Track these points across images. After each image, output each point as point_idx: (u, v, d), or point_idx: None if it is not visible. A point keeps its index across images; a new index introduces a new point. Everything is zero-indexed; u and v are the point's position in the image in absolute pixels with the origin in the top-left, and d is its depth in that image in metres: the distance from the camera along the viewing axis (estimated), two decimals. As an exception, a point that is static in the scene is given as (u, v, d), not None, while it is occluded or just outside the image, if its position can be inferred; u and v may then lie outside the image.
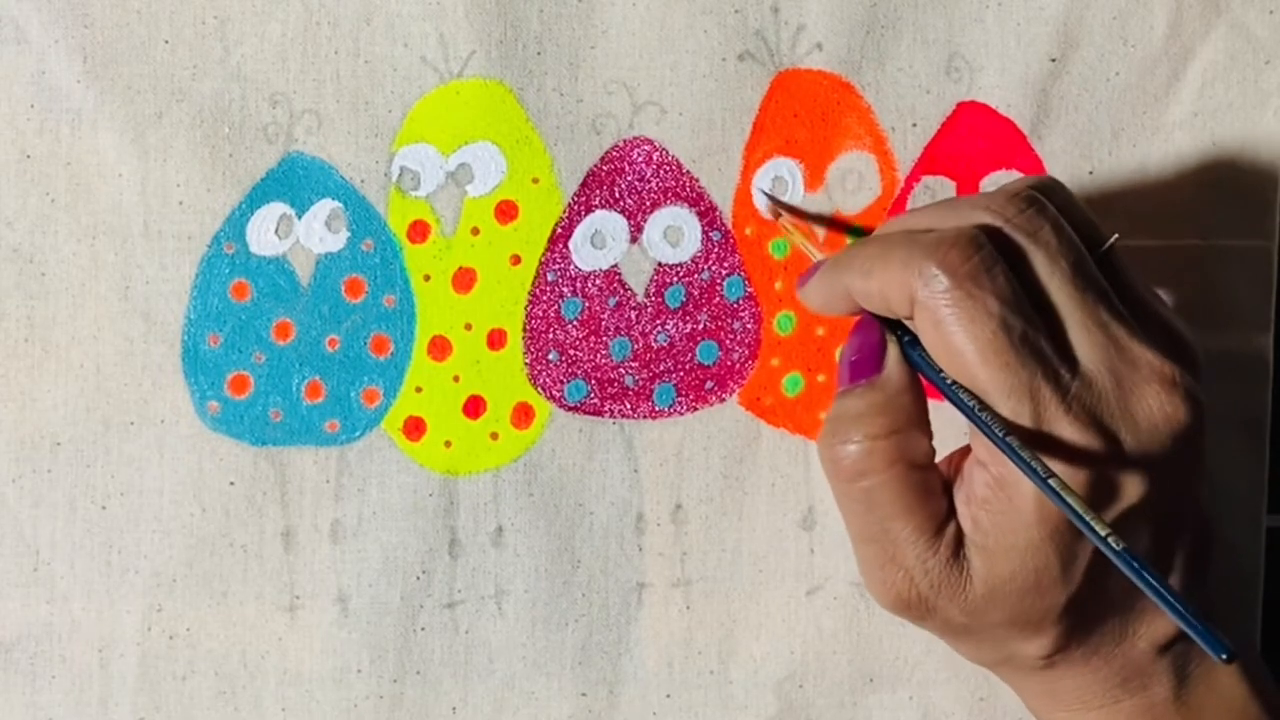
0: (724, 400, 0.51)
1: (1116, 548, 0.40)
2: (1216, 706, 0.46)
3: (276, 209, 0.49)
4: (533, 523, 0.50)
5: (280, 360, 0.49)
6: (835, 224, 0.51)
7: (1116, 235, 0.46)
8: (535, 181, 0.50)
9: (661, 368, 0.51)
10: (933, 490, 0.44)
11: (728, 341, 0.51)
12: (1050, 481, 0.41)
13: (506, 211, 0.50)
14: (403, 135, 0.49)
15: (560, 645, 0.51)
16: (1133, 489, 0.43)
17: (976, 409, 0.42)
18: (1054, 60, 0.51)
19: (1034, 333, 0.42)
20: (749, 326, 0.51)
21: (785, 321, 0.51)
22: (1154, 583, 0.39)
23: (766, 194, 0.50)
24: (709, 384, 0.51)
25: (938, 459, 0.46)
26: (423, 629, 0.50)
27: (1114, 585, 0.44)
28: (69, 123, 0.48)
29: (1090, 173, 0.52)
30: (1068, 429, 0.42)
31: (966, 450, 0.46)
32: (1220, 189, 0.52)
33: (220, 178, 0.48)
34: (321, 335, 0.49)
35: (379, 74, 0.49)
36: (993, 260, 0.43)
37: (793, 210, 0.50)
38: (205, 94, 0.48)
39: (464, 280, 0.50)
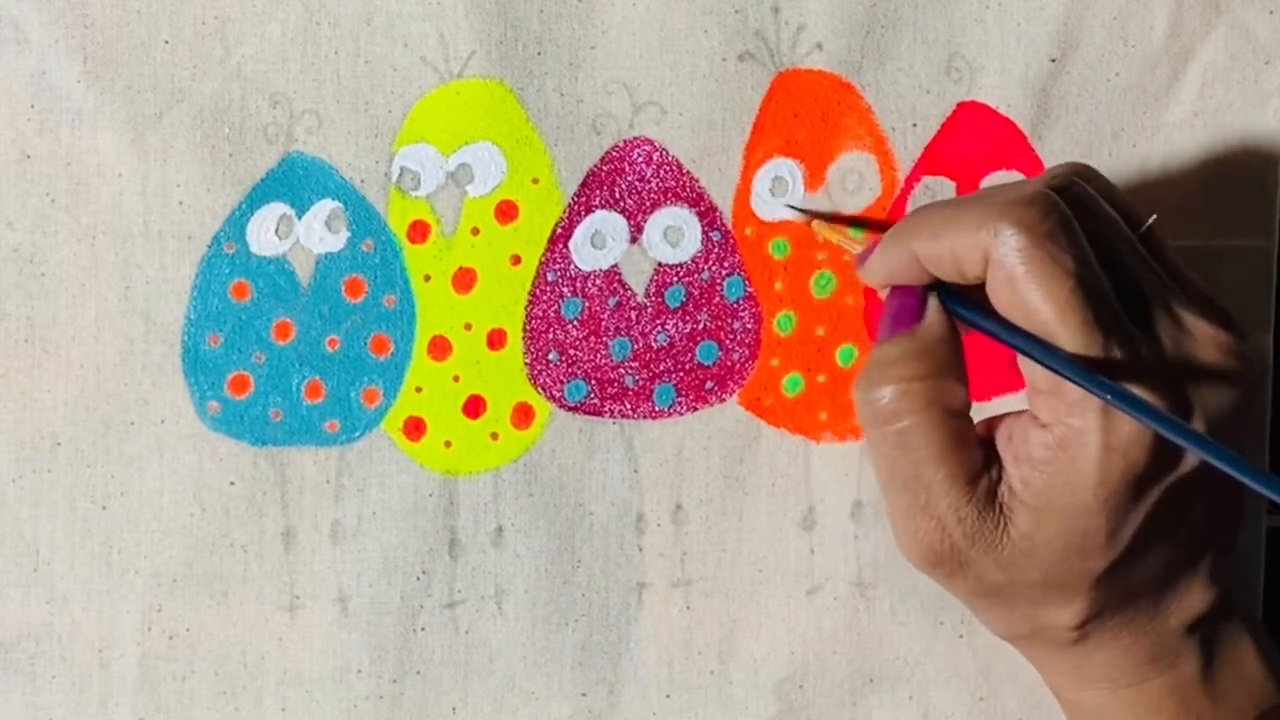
0: (724, 400, 0.51)
1: (1212, 445, 0.41)
2: (1241, 688, 0.47)
3: (276, 209, 0.49)
4: (533, 523, 0.50)
5: (280, 360, 0.49)
6: (868, 224, 0.51)
7: (1155, 216, 0.46)
8: (535, 182, 0.50)
9: (661, 368, 0.51)
10: (968, 440, 0.44)
11: (728, 342, 0.51)
12: (1130, 399, 0.41)
13: (506, 212, 0.50)
14: (403, 135, 0.49)
15: (560, 645, 0.51)
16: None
17: (1048, 349, 0.42)
18: (1054, 60, 0.51)
19: (1107, 293, 0.43)
20: (749, 327, 0.51)
21: (785, 321, 0.51)
22: (1253, 471, 0.40)
23: (794, 207, 0.50)
24: (709, 384, 0.51)
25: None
26: (423, 629, 0.50)
27: (1154, 560, 0.44)
28: (69, 123, 0.48)
29: (1090, 173, 0.52)
30: (1138, 389, 0.42)
31: (1011, 414, 0.46)
32: (1220, 189, 0.52)
33: (220, 178, 0.48)
34: (321, 335, 0.49)
35: (379, 74, 0.49)
36: (1068, 220, 0.43)
37: (823, 217, 0.50)
38: (205, 94, 0.48)
39: (464, 280, 0.50)
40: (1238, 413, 0.44)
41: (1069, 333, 0.42)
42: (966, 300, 0.45)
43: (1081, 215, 0.44)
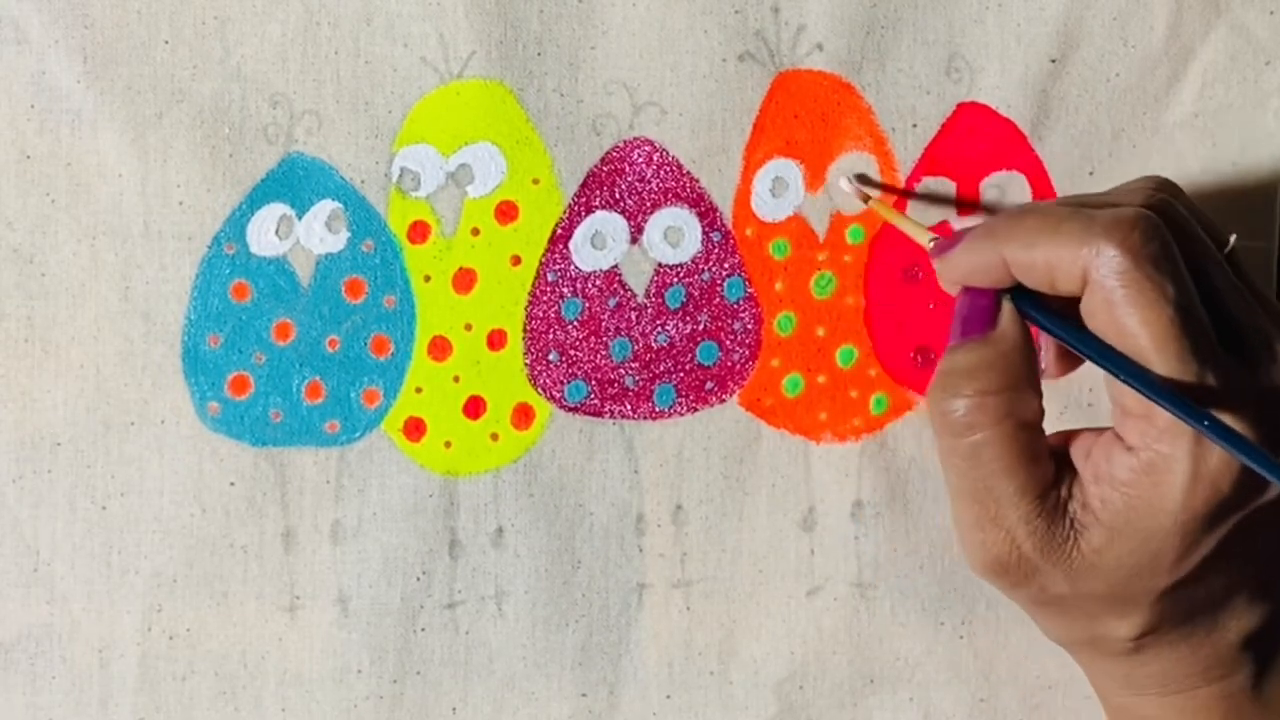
0: (724, 401, 0.51)
1: None
2: None
3: (277, 209, 0.49)
4: (533, 523, 0.50)
5: (280, 361, 0.49)
6: (936, 199, 0.50)
7: (1235, 236, 0.46)
8: (535, 182, 0.50)
9: (662, 368, 0.51)
10: (1040, 453, 0.44)
11: (728, 342, 0.51)
12: (1227, 434, 0.41)
13: (507, 212, 0.50)
14: (403, 136, 0.49)
15: (560, 646, 0.51)
16: None
17: (1142, 375, 0.42)
18: (1054, 61, 0.51)
19: (1204, 321, 0.42)
20: (749, 327, 0.51)
21: (785, 322, 0.51)
22: None
23: (852, 179, 0.50)
24: (709, 384, 0.51)
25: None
26: (423, 629, 0.50)
27: (1218, 579, 0.44)
28: (69, 123, 0.48)
29: (1090, 173, 0.52)
30: (1230, 419, 0.42)
31: (1092, 430, 0.45)
32: (1220, 189, 0.52)
33: (220, 178, 0.48)
34: (322, 336, 0.49)
35: (379, 74, 0.49)
36: (1170, 245, 0.42)
37: (884, 188, 0.50)
38: (205, 94, 0.48)
39: (464, 281, 0.50)
40: None
41: (1165, 360, 0.42)
42: (1046, 309, 0.44)
43: (1178, 237, 0.43)
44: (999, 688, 0.53)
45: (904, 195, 0.51)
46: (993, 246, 0.44)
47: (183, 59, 0.48)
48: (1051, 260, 0.43)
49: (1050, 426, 0.45)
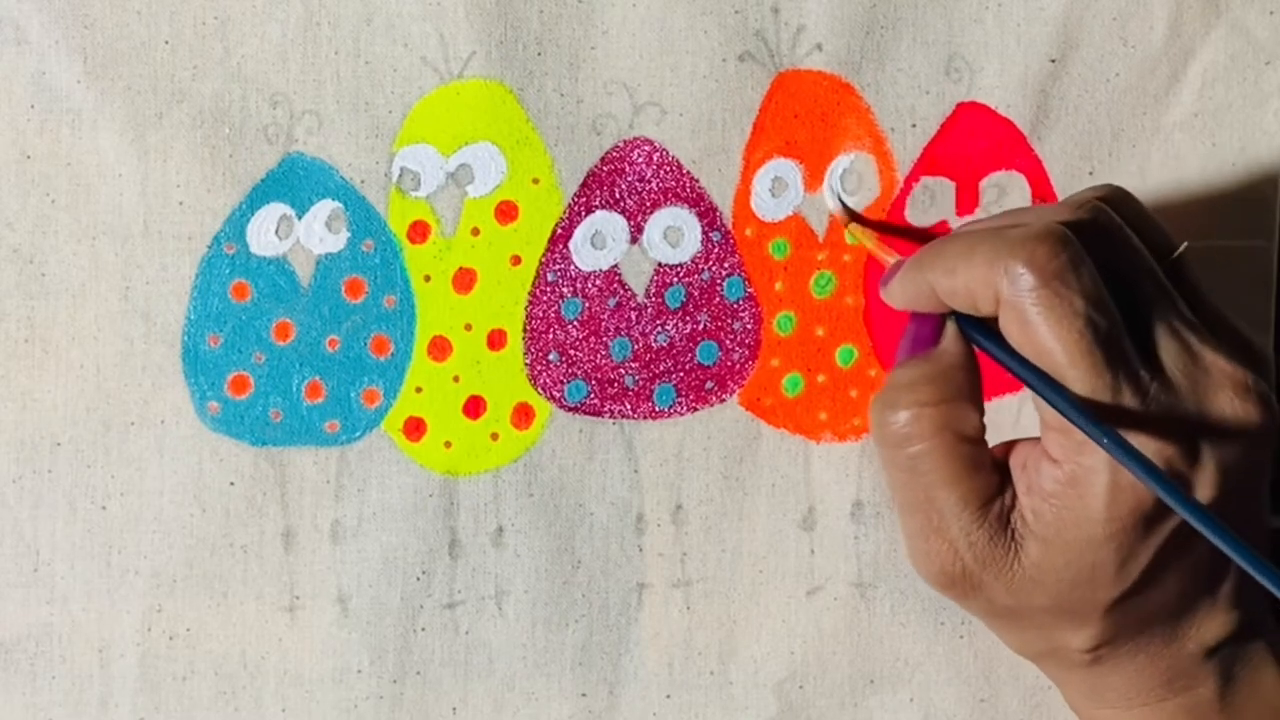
0: (724, 401, 0.51)
1: (1203, 512, 0.40)
2: (1259, 709, 0.46)
3: (277, 209, 0.49)
4: (533, 523, 0.50)
5: (280, 361, 0.49)
6: (903, 232, 0.51)
7: (1186, 244, 0.46)
8: (535, 182, 0.50)
9: (661, 368, 0.51)
10: (981, 465, 0.44)
11: (728, 342, 0.51)
12: (1130, 453, 0.41)
13: (507, 212, 0.50)
14: (403, 136, 0.49)
15: (560, 645, 0.51)
16: (1205, 489, 0.43)
17: (1055, 390, 0.42)
18: (1054, 61, 0.51)
19: (1118, 333, 0.42)
20: (749, 327, 0.51)
21: (785, 322, 0.51)
22: (1242, 549, 0.40)
23: (839, 198, 0.50)
24: (709, 384, 0.51)
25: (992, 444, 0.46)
26: (423, 629, 0.50)
27: (1168, 588, 0.44)
28: (69, 123, 0.48)
29: (1090, 173, 0.52)
30: (1145, 430, 0.42)
31: (1028, 441, 0.46)
32: (1220, 189, 0.52)
33: (220, 178, 0.48)
34: (322, 336, 0.49)
35: (379, 74, 0.49)
36: (1080, 258, 0.42)
37: (862, 220, 0.50)
38: (205, 94, 0.48)
39: (464, 281, 0.50)
40: (1251, 460, 0.43)
41: (1078, 374, 0.42)
42: (985, 329, 0.45)
43: (1102, 246, 0.43)
44: (999, 688, 0.52)
45: (885, 230, 0.51)
46: (921, 275, 0.45)
47: (183, 59, 0.48)
48: (969, 284, 0.43)
49: None
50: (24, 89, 0.48)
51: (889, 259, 0.49)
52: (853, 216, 0.51)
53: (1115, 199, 0.46)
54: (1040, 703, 0.53)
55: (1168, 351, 0.43)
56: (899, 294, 0.46)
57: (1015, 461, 0.45)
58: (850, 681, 0.52)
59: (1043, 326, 0.42)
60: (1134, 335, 0.43)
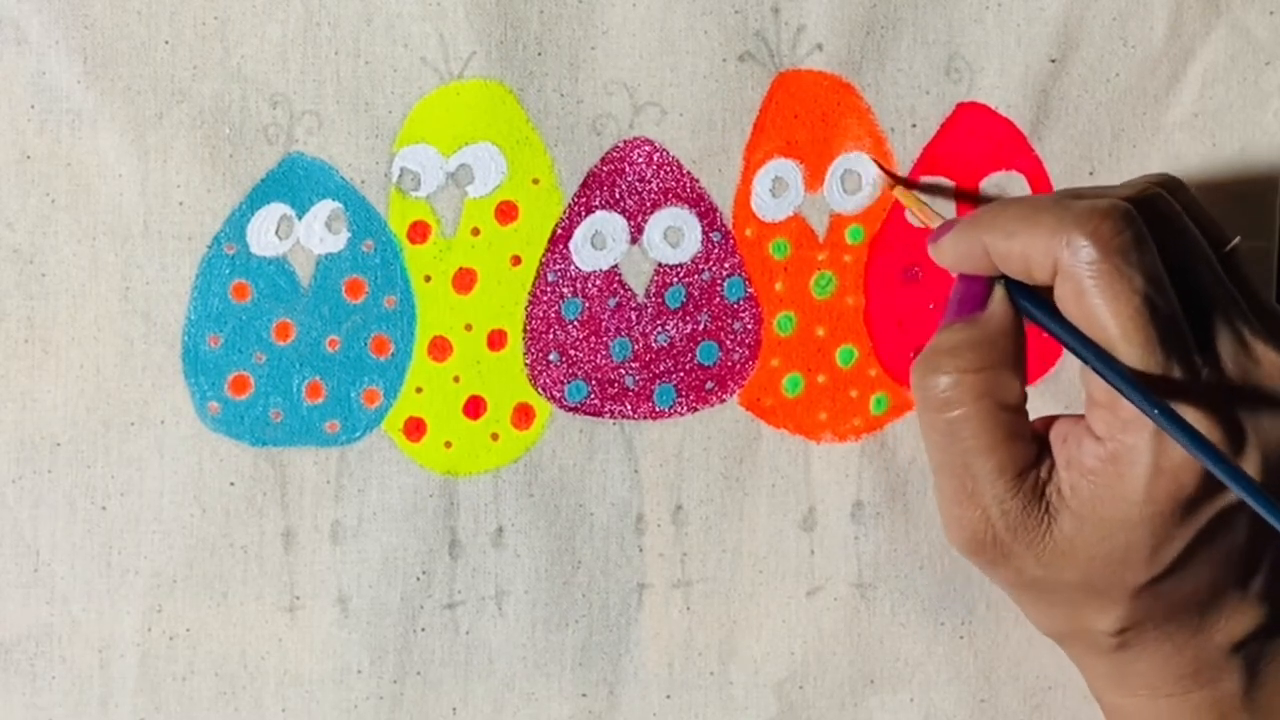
0: (724, 401, 0.51)
1: (1252, 485, 0.40)
2: None
3: (277, 210, 0.49)
4: (533, 523, 0.50)
5: (280, 361, 0.49)
6: (955, 194, 0.51)
7: (1239, 237, 0.46)
8: (535, 182, 0.50)
9: (662, 368, 0.51)
10: (1019, 434, 0.44)
11: (728, 342, 0.51)
12: (1179, 424, 0.41)
13: (507, 212, 0.50)
14: (403, 136, 0.49)
15: (560, 646, 0.51)
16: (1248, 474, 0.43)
17: (1106, 361, 0.42)
18: (1054, 61, 0.51)
19: (1174, 315, 0.42)
20: (749, 327, 0.51)
21: (785, 322, 0.51)
22: None
23: (879, 164, 0.50)
24: (709, 384, 0.51)
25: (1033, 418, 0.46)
26: (423, 629, 0.50)
27: (1199, 578, 0.44)
28: (69, 123, 0.48)
29: (1090, 173, 0.52)
30: (1194, 414, 0.42)
31: (1070, 416, 0.46)
32: (1220, 189, 0.52)
33: (220, 178, 0.48)
34: (322, 336, 0.49)
35: (379, 75, 0.49)
36: (1143, 237, 0.43)
37: (907, 182, 0.50)
38: (205, 95, 0.48)
39: (464, 281, 0.50)
40: None
41: (1131, 350, 0.42)
42: (1034, 296, 0.45)
43: (1161, 230, 0.43)
44: (999, 688, 0.52)
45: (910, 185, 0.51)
46: (975, 235, 0.45)
47: (183, 59, 0.48)
48: (1027, 250, 0.43)
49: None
50: (24, 89, 0.48)
51: (934, 222, 0.48)
52: (897, 180, 0.50)
53: (1172, 187, 0.46)
54: (1040, 703, 0.53)
55: (1221, 340, 0.43)
56: (950, 251, 0.46)
57: (1056, 435, 0.45)
58: (850, 682, 0.52)
59: (1100, 300, 0.42)
60: (1188, 321, 0.43)
